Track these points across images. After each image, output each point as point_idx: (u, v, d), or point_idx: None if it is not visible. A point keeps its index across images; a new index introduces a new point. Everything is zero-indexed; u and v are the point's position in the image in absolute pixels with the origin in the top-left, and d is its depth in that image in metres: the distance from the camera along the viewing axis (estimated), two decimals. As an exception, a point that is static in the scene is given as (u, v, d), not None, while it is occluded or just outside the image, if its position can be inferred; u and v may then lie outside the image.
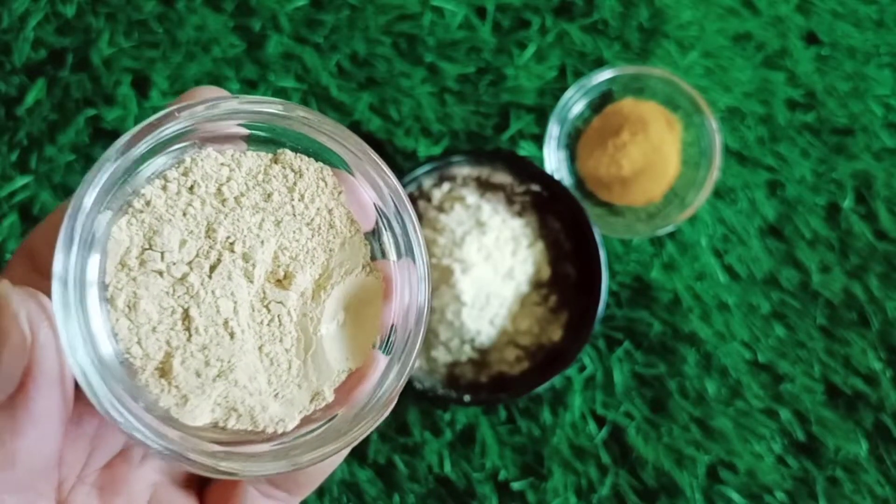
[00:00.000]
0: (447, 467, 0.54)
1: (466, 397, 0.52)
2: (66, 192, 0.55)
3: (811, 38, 0.61)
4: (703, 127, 0.56)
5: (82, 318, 0.22)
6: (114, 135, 0.56)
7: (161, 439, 0.22)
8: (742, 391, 0.56)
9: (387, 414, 0.26)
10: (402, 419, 0.55)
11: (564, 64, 0.59)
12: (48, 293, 0.24)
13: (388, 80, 0.58)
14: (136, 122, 0.56)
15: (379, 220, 0.27)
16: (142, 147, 0.23)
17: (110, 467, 0.27)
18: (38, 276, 0.25)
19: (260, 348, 0.25)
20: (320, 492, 0.54)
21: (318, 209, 0.26)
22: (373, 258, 0.27)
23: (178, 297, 0.23)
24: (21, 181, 0.55)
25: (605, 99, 0.58)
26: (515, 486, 0.54)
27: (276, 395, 0.25)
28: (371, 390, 0.26)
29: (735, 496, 0.54)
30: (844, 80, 0.60)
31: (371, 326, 0.27)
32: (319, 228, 0.26)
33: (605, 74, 0.56)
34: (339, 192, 0.26)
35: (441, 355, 0.54)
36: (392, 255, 0.27)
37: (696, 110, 0.56)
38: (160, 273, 0.23)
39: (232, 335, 0.24)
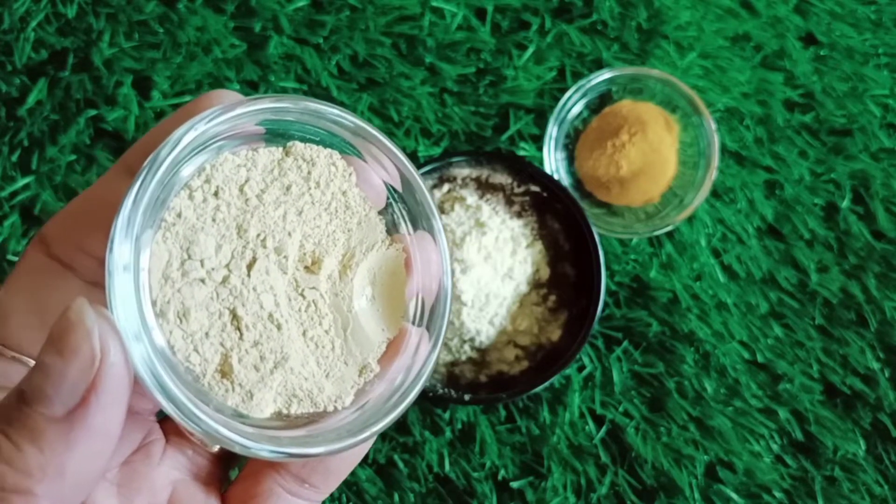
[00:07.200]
0: (447, 466, 0.55)
1: (466, 396, 0.53)
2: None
3: (809, 39, 0.61)
4: (701, 127, 0.56)
5: (146, 335, 0.22)
6: (115, 135, 0.57)
7: (262, 442, 0.23)
8: (740, 390, 0.56)
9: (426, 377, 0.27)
10: (401, 418, 0.55)
11: (563, 65, 0.59)
12: (66, 280, 0.25)
13: (388, 81, 0.58)
14: (137, 122, 0.56)
15: (390, 196, 0.28)
16: (167, 161, 0.23)
17: (129, 464, 0.26)
18: (56, 264, 0.25)
19: (304, 334, 0.26)
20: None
21: (332, 193, 0.27)
22: (389, 234, 0.28)
23: (223, 299, 0.24)
24: (22, 181, 0.55)
25: (603, 100, 0.59)
26: (515, 485, 0.55)
27: (327, 375, 0.26)
28: (407, 363, 0.27)
29: (733, 495, 0.55)
30: (842, 80, 0.60)
31: (399, 296, 0.28)
32: (336, 211, 0.27)
33: (603, 75, 0.56)
34: (350, 174, 0.27)
35: (441, 355, 0.54)
36: (407, 228, 0.28)
37: (695, 111, 0.56)
38: (202, 280, 0.24)
39: (279, 326, 0.25)
